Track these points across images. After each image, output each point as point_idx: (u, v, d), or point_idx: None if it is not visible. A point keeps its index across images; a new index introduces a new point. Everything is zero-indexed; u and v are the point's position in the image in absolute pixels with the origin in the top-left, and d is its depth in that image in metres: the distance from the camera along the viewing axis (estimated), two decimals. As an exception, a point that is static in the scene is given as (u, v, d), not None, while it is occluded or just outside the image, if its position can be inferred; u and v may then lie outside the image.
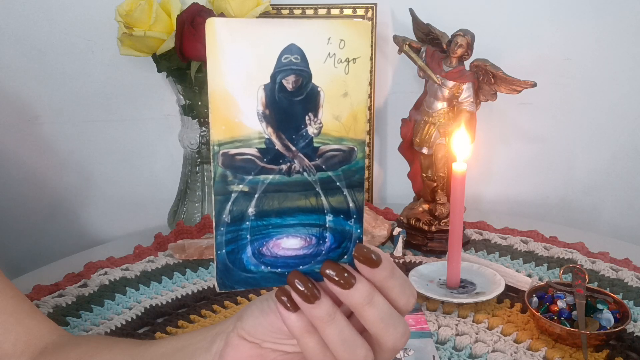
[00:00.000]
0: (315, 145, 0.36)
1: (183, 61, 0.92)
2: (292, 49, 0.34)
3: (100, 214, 1.17)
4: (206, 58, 0.32)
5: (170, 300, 0.79)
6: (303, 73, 0.34)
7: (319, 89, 0.35)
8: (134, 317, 0.75)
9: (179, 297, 0.80)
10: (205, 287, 0.83)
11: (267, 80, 0.34)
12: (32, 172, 1.12)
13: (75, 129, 1.12)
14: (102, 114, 1.12)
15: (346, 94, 0.35)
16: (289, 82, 0.34)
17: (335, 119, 0.36)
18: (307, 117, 0.35)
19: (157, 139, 1.15)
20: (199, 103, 0.99)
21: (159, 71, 0.97)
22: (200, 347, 0.43)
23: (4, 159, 1.10)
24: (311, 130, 0.35)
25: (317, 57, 0.34)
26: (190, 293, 0.81)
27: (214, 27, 0.32)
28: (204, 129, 1.01)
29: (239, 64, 0.33)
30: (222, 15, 0.95)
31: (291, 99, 0.35)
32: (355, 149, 0.37)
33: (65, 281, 0.83)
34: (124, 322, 0.74)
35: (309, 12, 1.10)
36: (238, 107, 0.34)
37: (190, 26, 0.89)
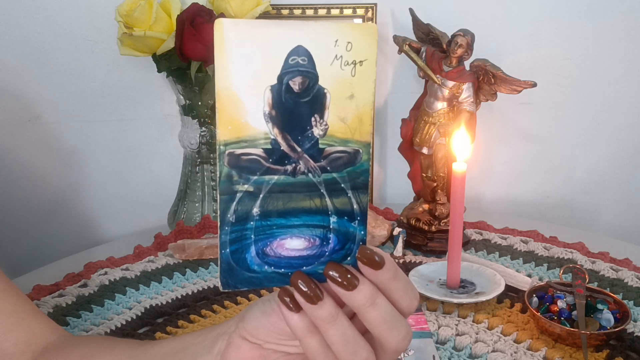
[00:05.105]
0: (321, 146, 0.36)
1: (183, 61, 0.92)
2: (299, 50, 0.34)
3: (101, 214, 1.17)
4: (210, 58, 0.32)
5: (170, 300, 0.79)
6: (310, 75, 0.34)
7: (325, 90, 0.35)
8: (134, 317, 0.75)
9: (179, 297, 0.80)
10: (205, 287, 0.83)
11: (274, 81, 0.34)
12: (32, 172, 1.12)
13: (76, 128, 1.11)
14: (102, 113, 1.12)
15: (352, 96, 0.35)
16: (295, 84, 0.34)
17: (341, 120, 0.36)
18: (313, 119, 0.35)
19: (157, 139, 1.15)
20: (199, 103, 0.99)
21: (159, 71, 0.97)
22: (202, 348, 0.43)
23: (5, 158, 1.10)
24: (317, 131, 0.35)
25: (324, 59, 0.34)
26: (190, 293, 0.81)
27: (222, 28, 0.32)
28: (204, 129, 1.01)
29: (246, 65, 0.33)
30: (222, 15, 0.94)
31: (297, 100, 0.35)
32: (360, 151, 0.37)
33: (65, 281, 0.83)
34: (124, 322, 0.74)
35: (309, 12, 1.10)
36: (244, 108, 0.34)
37: (190, 26, 0.88)
